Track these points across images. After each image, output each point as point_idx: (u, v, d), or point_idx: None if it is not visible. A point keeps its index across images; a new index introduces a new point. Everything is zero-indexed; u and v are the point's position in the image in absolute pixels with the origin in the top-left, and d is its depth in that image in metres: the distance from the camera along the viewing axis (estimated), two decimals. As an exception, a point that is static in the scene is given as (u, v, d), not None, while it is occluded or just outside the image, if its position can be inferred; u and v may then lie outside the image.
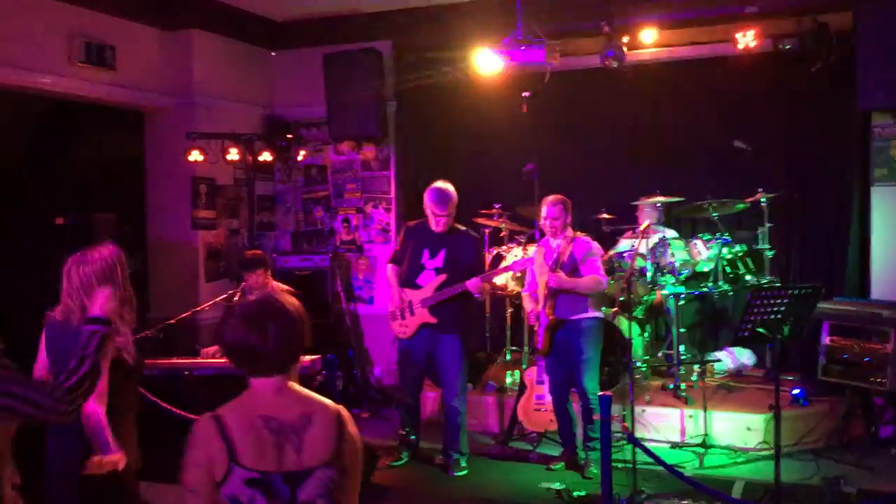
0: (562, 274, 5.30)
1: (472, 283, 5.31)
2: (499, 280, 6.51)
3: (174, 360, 5.85)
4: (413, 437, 5.76)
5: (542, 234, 6.83)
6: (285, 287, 6.45)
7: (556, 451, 5.80)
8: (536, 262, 5.57)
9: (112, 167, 7.89)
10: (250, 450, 2.09)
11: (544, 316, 5.39)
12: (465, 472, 5.49)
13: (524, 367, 6.31)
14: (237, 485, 2.08)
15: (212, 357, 5.90)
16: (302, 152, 8.08)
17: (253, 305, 2.23)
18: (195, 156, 7.04)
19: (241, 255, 6.65)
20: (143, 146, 7.64)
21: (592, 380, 5.35)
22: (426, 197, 5.54)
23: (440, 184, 5.57)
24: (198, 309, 6.42)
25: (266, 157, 7.57)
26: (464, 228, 5.71)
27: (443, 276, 5.44)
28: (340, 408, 2.24)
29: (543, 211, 5.48)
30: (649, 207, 6.85)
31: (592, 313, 5.40)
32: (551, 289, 5.33)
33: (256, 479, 2.08)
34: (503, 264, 6.40)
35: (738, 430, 5.82)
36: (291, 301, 2.25)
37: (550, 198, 5.50)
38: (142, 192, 7.65)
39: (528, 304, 5.72)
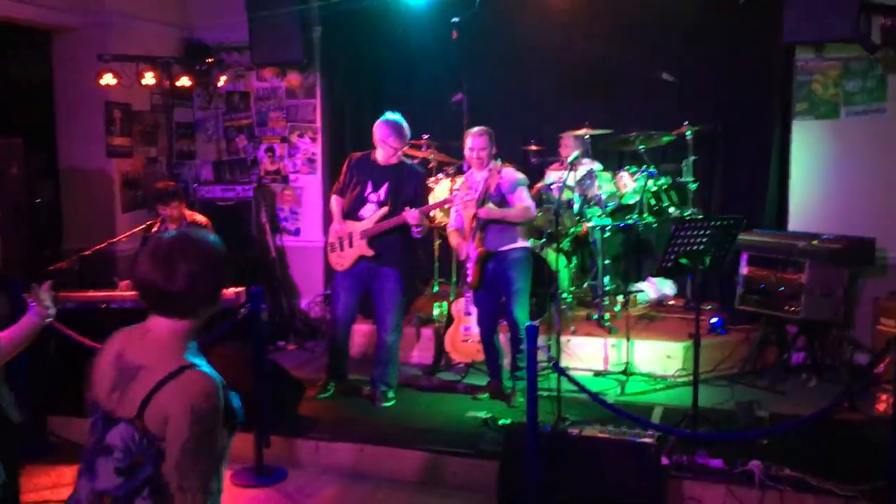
0: (491, 205, 5.26)
1: (412, 215, 5.21)
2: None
3: (90, 293, 5.67)
4: (340, 369, 5.73)
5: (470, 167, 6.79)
6: (201, 219, 6.29)
7: (482, 381, 5.86)
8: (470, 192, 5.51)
9: (18, 90, 7.47)
10: (100, 378, 2.13)
11: (474, 249, 5.37)
12: (392, 403, 5.51)
13: (451, 298, 6.31)
14: (91, 404, 2.13)
15: (129, 289, 5.73)
16: (223, 78, 7.75)
17: (166, 242, 2.11)
18: (108, 79, 6.68)
19: (154, 187, 6.41)
20: (52, 68, 7.23)
21: (523, 310, 5.38)
22: (380, 128, 5.38)
23: (394, 116, 5.43)
24: (114, 240, 6.19)
25: (185, 82, 7.24)
26: (409, 162, 5.59)
27: (385, 209, 5.34)
28: (188, 372, 2.03)
29: (469, 142, 5.41)
30: (571, 140, 6.85)
31: (521, 244, 5.40)
32: (480, 220, 5.30)
33: (92, 403, 2.13)
34: (431, 196, 6.34)
35: (659, 358, 5.98)
36: (209, 240, 2.15)
37: (475, 129, 5.43)
38: (51, 117, 7.26)
39: (454, 240, 5.67)
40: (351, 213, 5.44)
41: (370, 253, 5.36)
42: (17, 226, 6.03)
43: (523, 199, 5.34)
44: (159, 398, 1.99)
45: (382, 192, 5.38)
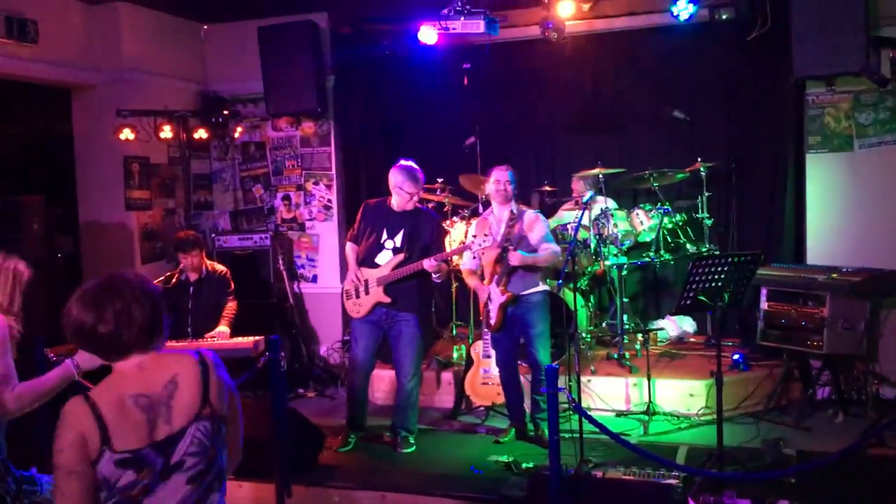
0: (521, 252, 5.23)
1: (429, 264, 5.20)
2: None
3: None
4: (360, 420, 5.69)
5: (486, 207, 6.83)
6: (220, 268, 6.35)
7: (503, 423, 5.81)
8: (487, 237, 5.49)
9: (40, 147, 7.62)
10: (123, 431, 2.09)
11: (499, 293, 5.35)
12: (412, 449, 5.46)
13: (471, 341, 6.30)
14: (108, 466, 2.08)
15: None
16: (239, 129, 7.89)
17: (93, 285, 2.17)
18: (126, 134, 6.82)
19: (175, 236, 6.49)
20: (72, 125, 7.37)
21: (545, 352, 5.36)
22: (395, 175, 5.37)
23: (408, 162, 5.44)
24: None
25: (201, 134, 7.39)
26: (424, 207, 5.61)
27: (401, 256, 5.33)
28: (206, 354, 2.27)
29: (495, 175, 5.42)
30: (583, 179, 6.88)
31: (542, 287, 5.40)
32: (509, 267, 5.27)
33: (127, 459, 2.09)
34: (447, 239, 6.36)
35: (681, 396, 5.91)
36: (138, 278, 2.23)
37: (499, 166, 5.47)
38: (72, 172, 7.37)
39: (472, 281, 5.66)
40: (367, 260, 5.45)
41: (387, 300, 5.36)
42: (38, 281, 6.08)
43: (551, 244, 5.34)
44: (212, 379, 2.21)
45: (398, 238, 5.39)
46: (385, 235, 5.41)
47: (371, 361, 5.60)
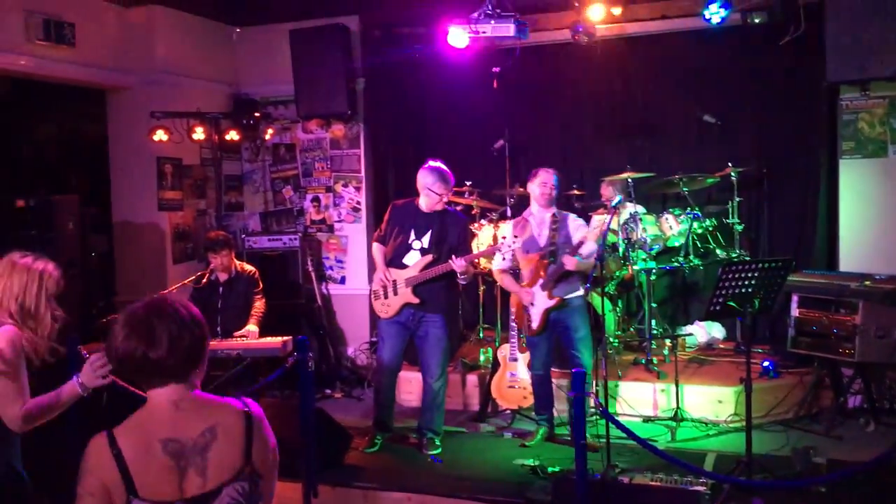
0: (575, 257, 5.21)
1: (458, 264, 5.20)
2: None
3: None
4: (387, 421, 5.73)
5: (514, 211, 6.83)
6: (249, 268, 6.42)
7: (530, 427, 5.81)
8: (510, 237, 5.44)
9: (75, 147, 7.75)
10: (149, 479, 1.95)
11: (545, 297, 5.30)
12: (438, 451, 5.47)
13: (497, 344, 6.30)
14: None
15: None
16: (269, 131, 7.97)
17: (140, 309, 2.05)
18: (160, 135, 6.92)
19: (205, 236, 6.58)
20: (106, 126, 7.49)
21: (589, 355, 5.36)
22: (424, 176, 5.37)
23: (438, 163, 5.44)
24: (165, 292, 6.31)
25: (233, 136, 7.47)
26: (452, 209, 5.61)
27: (429, 257, 5.35)
28: (252, 408, 2.10)
29: (542, 177, 5.41)
30: (612, 184, 6.85)
31: (581, 291, 5.39)
32: (561, 271, 5.24)
33: None
34: (475, 241, 6.37)
35: (710, 403, 5.87)
36: (182, 303, 2.11)
37: (545, 168, 5.47)
38: (106, 172, 7.50)
39: (505, 280, 5.60)
40: (395, 261, 5.47)
41: (415, 301, 5.37)
42: (73, 279, 6.20)
43: (595, 249, 5.28)
44: (258, 437, 2.06)
45: (426, 239, 5.40)
46: (413, 236, 5.43)
47: (398, 362, 5.62)
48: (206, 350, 2.12)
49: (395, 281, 5.42)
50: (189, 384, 2.07)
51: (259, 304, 6.31)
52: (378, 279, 5.52)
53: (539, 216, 5.48)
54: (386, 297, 5.47)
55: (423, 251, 5.40)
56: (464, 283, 5.48)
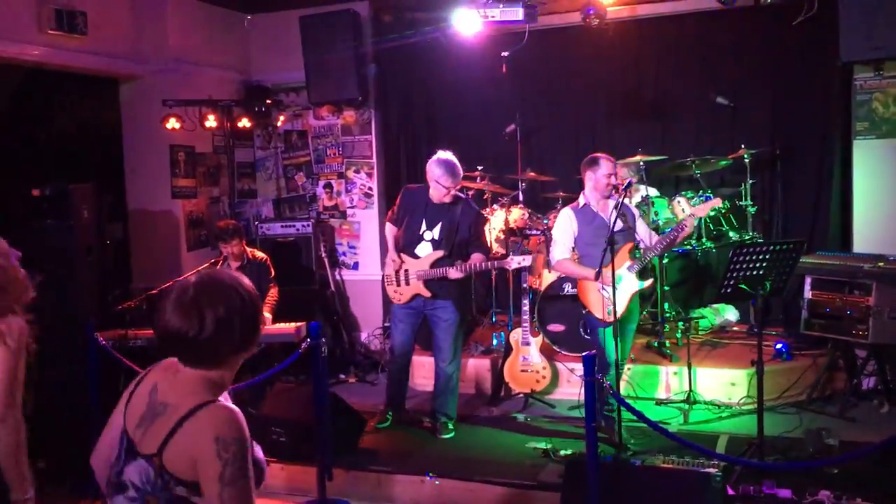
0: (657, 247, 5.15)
1: (454, 273, 5.26)
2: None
3: (158, 330, 5.84)
4: (399, 400, 5.79)
5: (526, 195, 6.83)
6: (261, 255, 6.46)
7: (544, 409, 5.83)
8: (576, 226, 5.27)
9: (89, 136, 7.78)
10: (133, 410, 2.03)
11: (634, 281, 5.11)
12: (452, 435, 5.51)
13: (510, 328, 6.32)
14: (121, 434, 2.04)
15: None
16: (281, 118, 8.00)
17: (189, 287, 1.98)
18: (172, 123, 6.95)
19: (216, 226, 6.62)
20: (120, 114, 7.53)
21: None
22: (433, 167, 5.36)
23: (447, 155, 5.39)
24: (180, 279, 6.36)
25: (245, 123, 7.50)
26: (464, 196, 5.56)
27: (440, 253, 5.38)
28: (206, 411, 1.94)
29: (606, 169, 5.18)
30: (623, 167, 6.79)
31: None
32: (654, 255, 5.17)
33: (123, 433, 2.03)
34: (487, 227, 6.38)
35: (722, 385, 5.87)
36: (239, 282, 2.03)
37: (607, 156, 5.27)
38: (120, 160, 7.55)
39: (572, 267, 5.28)
40: (406, 249, 5.50)
41: (427, 294, 5.43)
42: (89, 267, 6.26)
43: (650, 234, 5.23)
44: (180, 438, 1.91)
45: (437, 230, 5.42)
46: (424, 226, 5.45)
47: (410, 344, 5.69)
48: (254, 338, 2.05)
49: (406, 271, 5.45)
50: (221, 371, 2.03)
51: (272, 293, 6.36)
52: (389, 262, 5.56)
53: (598, 206, 5.26)
54: (398, 285, 5.50)
55: (435, 243, 5.42)
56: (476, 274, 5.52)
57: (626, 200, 5.11)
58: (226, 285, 2.00)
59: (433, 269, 5.38)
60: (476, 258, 5.36)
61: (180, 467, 1.91)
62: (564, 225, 5.29)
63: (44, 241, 6.00)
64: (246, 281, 2.06)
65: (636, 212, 5.39)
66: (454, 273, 5.27)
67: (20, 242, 3.11)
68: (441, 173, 5.33)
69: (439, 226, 5.42)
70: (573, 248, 5.32)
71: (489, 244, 6.65)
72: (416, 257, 5.45)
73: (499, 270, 6.47)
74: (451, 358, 5.52)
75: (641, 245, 5.22)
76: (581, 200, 5.35)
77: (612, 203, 5.19)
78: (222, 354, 2.00)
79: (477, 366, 6.59)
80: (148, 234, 7.47)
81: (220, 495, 1.86)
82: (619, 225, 4.93)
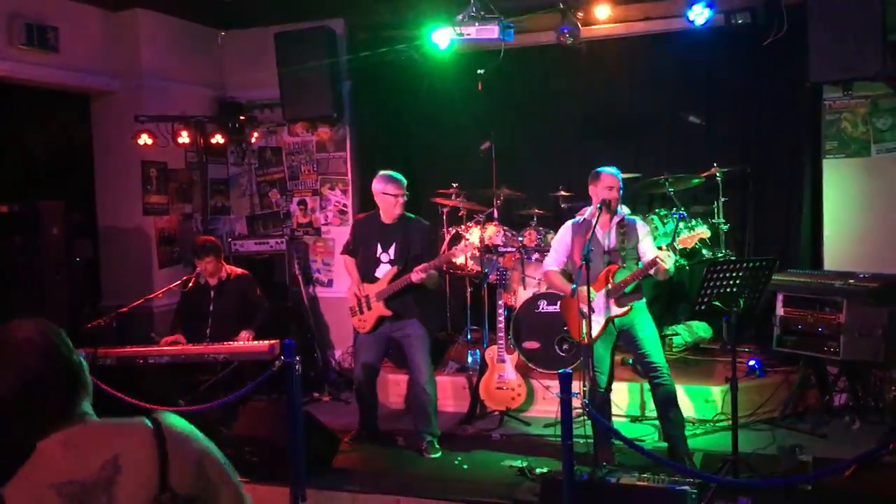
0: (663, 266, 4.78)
1: (416, 276, 5.25)
2: (458, 260, 6.47)
3: (128, 349, 5.76)
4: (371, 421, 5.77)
5: (501, 213, 6.83)
6: (240, 270, 6.39)
7: (519, 427, 5.81)
8: (570, 239, 5.16)
9: (59, 152, 7.71)
10: None
11: (613, 306, 4.95)
12: (439, 454, 5.44)
13: (485, 346, 6.30)
14: None
15: (170, 345, 5.84)
16: (255, 134, 7.96)
17: None
18: (144, 139, 6.89)
19: (193, 241, 6.55)
20: (91, 130, 7.45)
21: (662, 352, 5.09)
22: (376, 184, 5.44)
23: (386, 171, 5.50)
24: (151, 296, 6.30)
25: (218, 139, 7.45)
26: (413, 217, 5.61)
27: (394, 269, 5.41)
28: (165, 421, 1.73)
29: (607, 182, 4.95)
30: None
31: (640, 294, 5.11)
32: (633, 280, 4.88)
33: None
34: (463, 244, 6.36)
35: (697, 402, 5.89)
36: (38, 332, 1.72)
37: (609, 168, 5.03)
38: (91, 177, 7.46)
39: (558, 281, 5.22)
40: (367, 276, 5.53)
41: (388, 313, 5.43)
42: (58, 284, 6.17)
43: (653, 250, 4.96)
44: (172, 452, 1.69)
45: (392, 250, 5.47)
46: (380, 249, 5.49)
47: (375, 370, 5.73)
48: (82, 375, 1.77)
49: (367, 296, 5.47)
50: (78, 420, 1.72)
51: (265, 311, 6.30)
52: (352, 293, 5.57)
53: (602, 219, 5.01)
54: (361, 313, 5.51)
55: (392, 262, 5.46)
56: (433, 287, 5.49)
57: (638, 217, 5.06)
58: (17, 340, 1.71)
59: (391, 284, 5.39)
60: (427, 264, 5.32)
61: (189, 479, 1.70)
62: (560, 236, 5.31)
63: (12, 258, 5.91)
64: (43, 330, 1.75)
65: (645, 229, 5.13)
66: (416, 276, 5.26)
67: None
68: (385, 184, 5.40)
69: (394, 245, 5.46)
70: (567, 261, 5.27)
71: (464, 261, 6.66)
72: (377, 279, 5.48)
73: (474, 287, 6.47)
74: (428, 374, 5.50)
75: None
76: (586, 214, 5.33)
77: (615, 219, 5.07)
78: (46, 418, 1.70)
79: (452, 383, 6.55)
80: (119, 251, 7.37)
81: (225, 487, 1.76)
82: (612, 243, 4.93)
